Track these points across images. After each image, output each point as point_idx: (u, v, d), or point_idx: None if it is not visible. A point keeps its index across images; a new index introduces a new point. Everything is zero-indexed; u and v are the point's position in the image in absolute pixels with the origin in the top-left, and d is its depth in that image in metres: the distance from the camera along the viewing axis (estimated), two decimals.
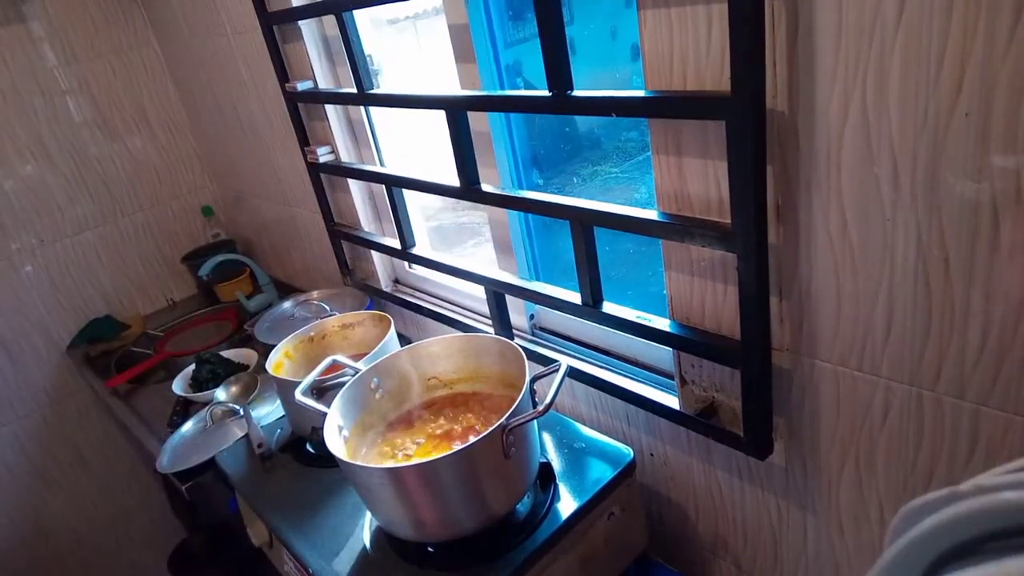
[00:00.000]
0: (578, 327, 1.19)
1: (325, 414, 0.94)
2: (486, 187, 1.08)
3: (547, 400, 0.85)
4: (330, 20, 1.32)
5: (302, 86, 1.40)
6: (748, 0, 0.62)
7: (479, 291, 1.25)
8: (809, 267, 0.75)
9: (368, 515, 1.01)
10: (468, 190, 1.09)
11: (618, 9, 1.03)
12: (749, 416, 0.86)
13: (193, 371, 1.56)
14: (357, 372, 1.03)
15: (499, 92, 1.08)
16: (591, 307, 0.98)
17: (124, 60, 1.98)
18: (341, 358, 1.08)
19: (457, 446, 0.85)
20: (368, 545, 0.97)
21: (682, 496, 1.11)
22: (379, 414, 1.06)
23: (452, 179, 1.12)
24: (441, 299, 1.48)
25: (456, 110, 1.04)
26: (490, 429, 0.83)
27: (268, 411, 1.36)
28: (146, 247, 2.13)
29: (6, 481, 2.01)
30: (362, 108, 1.41)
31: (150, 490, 2.23)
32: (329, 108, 1.43)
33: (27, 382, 1.99)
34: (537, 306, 1.26)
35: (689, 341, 0.88)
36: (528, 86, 1.15)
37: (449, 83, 1.17)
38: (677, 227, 0.81)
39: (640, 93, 0.78)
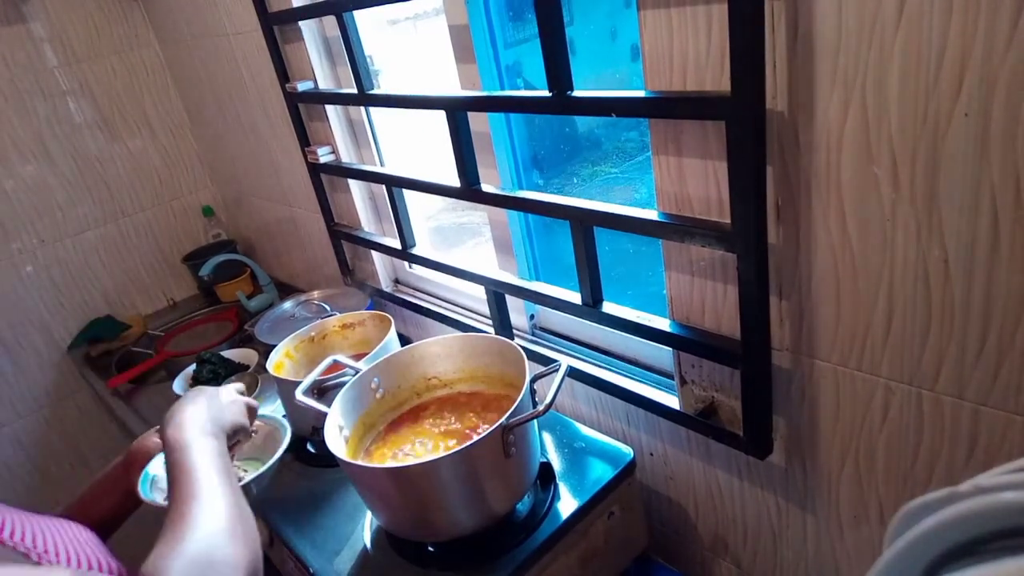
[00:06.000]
0: (578, 327, 1.19)
1: (326, 414, 0.94)
2: (486, 187, 1.08)
3: (547, 400, 0.85)
4: (330, 20, 1.33)
5: (302, 86, 1.40)
6: (748, 0, 0.62)
7: (479, 291, 1.25)
8: (809, 267, 0.75)
9: (368, 515, 1.02)
10: (468, 190, 1.09)
11: (618, 9, 1.03)
12: (749, 416, 0.86)
13: (194, 371, 1.56)
14: (358, 372, 1.03)
15: (499, 92, 1.08)
16: (591, 307, 0.99)
17: (124, 60, 1.98)
18: (342, 358, 1.08)
19: (458, 446, 0.85)
20: (368, 545, 0.97)
21: (682, 496, 1.11)
22: (380, 414, 1.06)
23: (452, 179, 1.12)
24: (441, 299, 1.48)
25: (456, 110, 1.04)
26: (490, 429, 0.83)
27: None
28: (147, 247, 2.13)
29: (6, 481, 2.01)
30: (362, 108, 1.41)
31: None
32: (329, 108, 1.43)
33: (28, 382, 1.99)
34: (537, 306, 1.26)
35: (689, 341, 0.88)
36: (528, 86, 1.15)
37: (449, 83, 1.17)
38: (677, 227, 0.81)
39: (640, 93, 0.78)
